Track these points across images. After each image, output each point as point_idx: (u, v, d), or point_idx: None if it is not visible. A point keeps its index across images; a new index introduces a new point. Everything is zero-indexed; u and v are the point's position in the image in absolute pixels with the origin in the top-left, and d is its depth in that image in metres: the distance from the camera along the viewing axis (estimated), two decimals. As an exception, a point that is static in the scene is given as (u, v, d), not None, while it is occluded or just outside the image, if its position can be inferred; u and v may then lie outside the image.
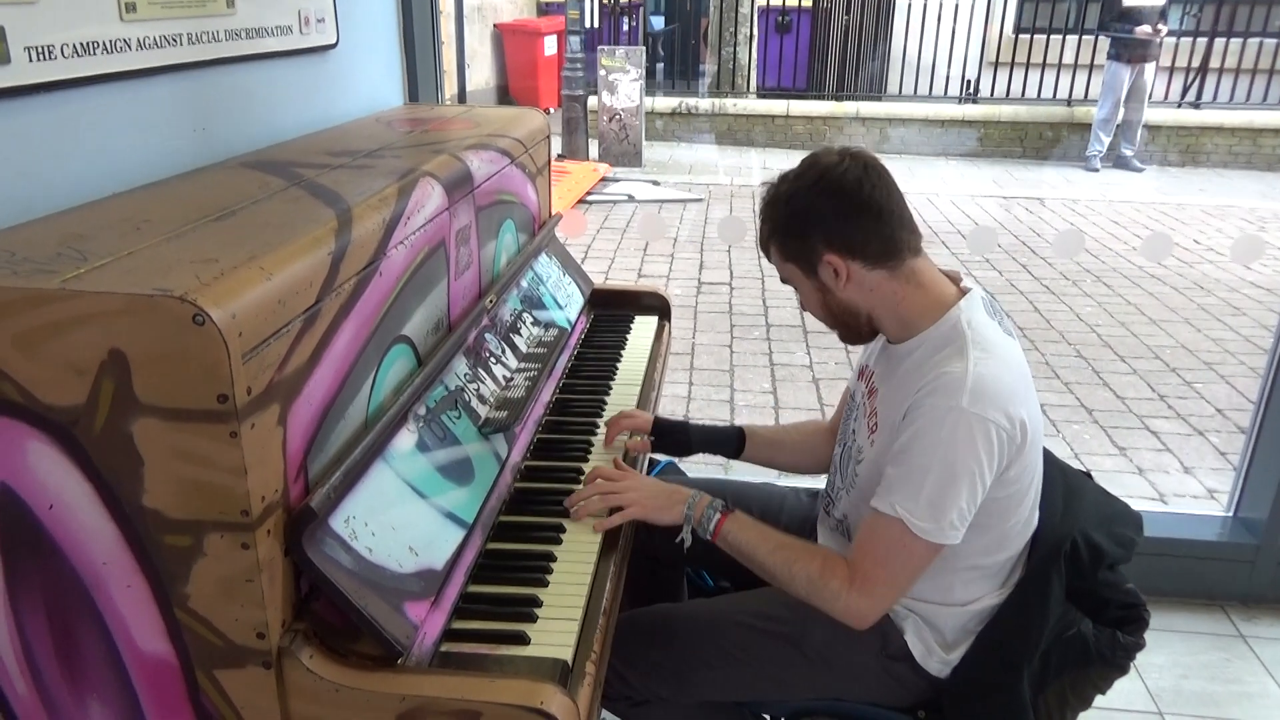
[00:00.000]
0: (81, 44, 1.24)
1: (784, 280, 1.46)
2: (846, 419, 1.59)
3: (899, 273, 1.36)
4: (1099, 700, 1.47)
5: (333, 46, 1.91)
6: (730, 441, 1.74)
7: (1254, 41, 9.19)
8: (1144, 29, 8.19)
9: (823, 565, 1.35)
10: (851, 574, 1.33)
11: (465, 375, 1.50)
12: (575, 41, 8.77)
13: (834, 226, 1.34)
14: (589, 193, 7.60)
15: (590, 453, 1.66)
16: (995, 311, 1.42)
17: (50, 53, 1.19)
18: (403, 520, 1.17)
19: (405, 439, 1.26)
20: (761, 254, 1.49)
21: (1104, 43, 8.69)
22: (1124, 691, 2.11)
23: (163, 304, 0.86)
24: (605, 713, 1.56)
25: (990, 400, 1.27)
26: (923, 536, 1.28)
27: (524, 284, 1.90)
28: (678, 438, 1.74)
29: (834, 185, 1.33)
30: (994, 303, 1.44)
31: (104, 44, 1.28)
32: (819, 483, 1.69)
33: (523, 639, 1.17)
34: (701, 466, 3.36)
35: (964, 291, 1.40)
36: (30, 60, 1.16)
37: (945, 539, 1.29)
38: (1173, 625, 2.42)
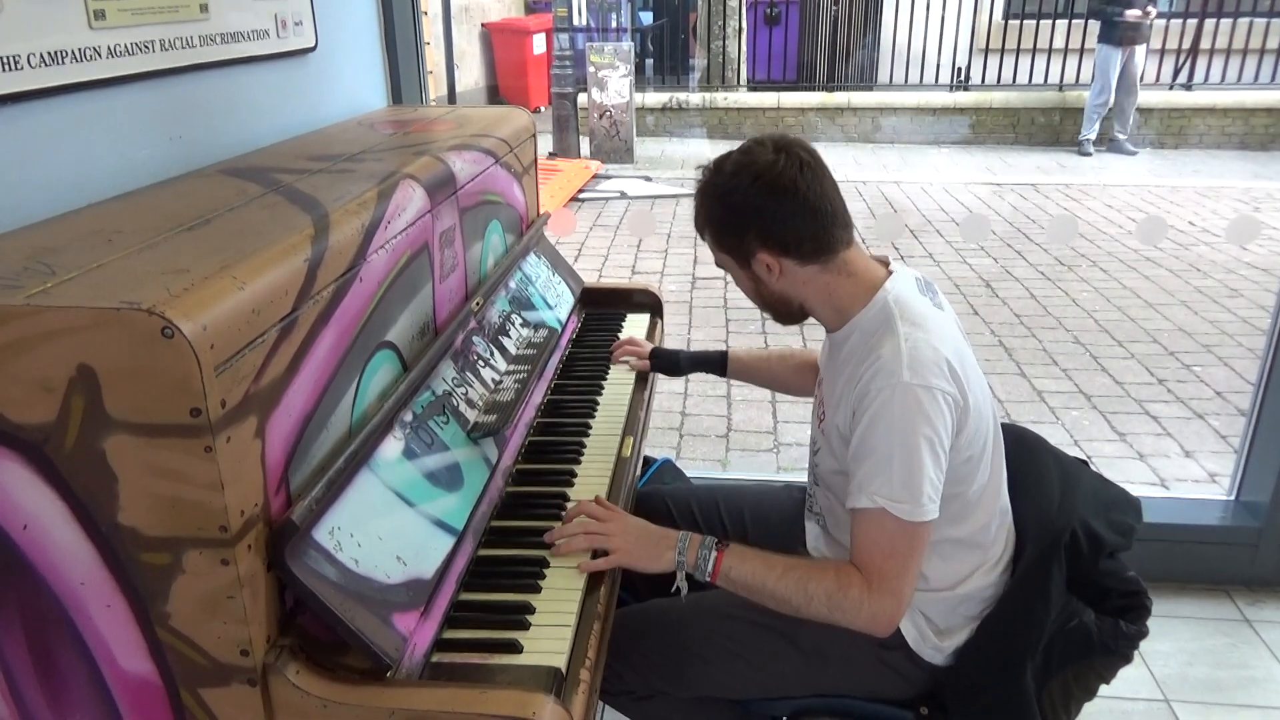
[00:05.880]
0: (49, 53, 1.22)
1: (718, 264, 1.48)
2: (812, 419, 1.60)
3: (831, 265, 1.38)
4: (1106, 690, 1.46)
5: (312, 50, 1.89)
6: (715, 363, 1.94)
7: (1244, 21, 9.17)
8: (1134, 11, 8.16)
9: (837, 576, 1.32)
10: (866, 578, 1.30)
11: (453, 379, 1.48)
12: (564, 39, 8.74)
13: (768, 227, 1.35)
14: (581, 190, 7.58)
15: (583, 455, 1.64)
16: (926, 289, 1.43)
17: (16, 63, 1.17)
18: (390, 529, 1.15)
19: (391, 446, 1.24)
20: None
21: (1094, 26, 8.66)
22: (1130, 680, 2.10)
23: (130, 317, 0.84)
24: (609, 710, 1.54)
25: (928, 368, 1.28)
26: (908, 519, 1.27)
27: (512, 285, 1.88)
28: (670, 360, 1.99)
29: (769, 185, 1.33)
30: (927, 283, 1.45)
31: (73, 53, 1.26)
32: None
33: (515, 647, 1.15)
34: (699, 465, 3.35)
35: (891, 273, 1.41)
36: (-4, 71, 1.14)
37: (927, 515, 1.28)
38: (1177, 611, 2.40)
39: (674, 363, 1.98)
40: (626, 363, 1.99)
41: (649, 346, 2.01)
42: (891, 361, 1.28)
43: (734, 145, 1.41)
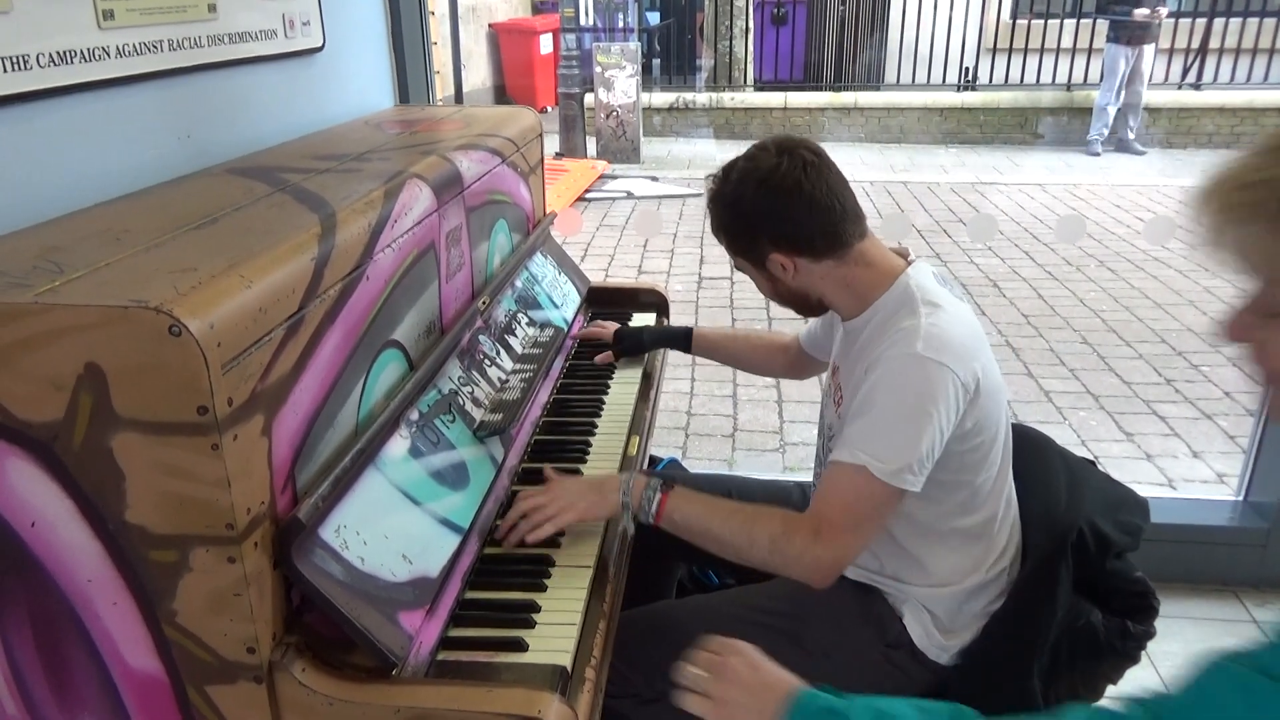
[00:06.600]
0: (58, 53, 1.22)
1: (736, 267, 1.51)
2: (821, 415, 1.60)
3: (846, 259, 1.39)
4: (1114, 691, 1.45)
5: (319, 49, 1.89)
6: (679, 339, 1.96)
7: (1253, 20, 9.12)
8: (1143, 10, 8.13)
9: (784, 523, 1.31)
10: (816, 526, 1.29)
11: (459, 378, 1.48)
12: (570, 39, 8.74)
13: (778, 229, 1.38)
14: (588, 190, 7.58)
15: (589, 454, 1.64)
16: (945, 281, 1.44)
17: (25, 63, 1.17)
18: (396, 528, 1.15)
19: (397, 445, 1.24)
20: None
21: (1102, 25, 8.63)
22: (1136, 680, 2.08)
23: (138, 316, 0.85)
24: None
25: (944, 349, 1.28)
26: (885, 479, 1.26)
27: (518, 284, 1.88)
28: (634, 339, 1.99)
29: (774, 189, 1.36)
30: (944, 278, 1.46)
31: (82, 52, 1.26)
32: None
33: (521, 645, 1.16)
34: (705, 464, 3.35)
35: (911, 263, 1.43)
36: (4, 71, 1.14)
37: (906, 484, 1.27)
38: (1185, 612, 2.39)
39: (638, 341, 1.98)
40: (600, 365, 1.95)
41: (613, 326, 2.03)
42: (910, 334, 1.30)
43: (741, 145, 1.42)
